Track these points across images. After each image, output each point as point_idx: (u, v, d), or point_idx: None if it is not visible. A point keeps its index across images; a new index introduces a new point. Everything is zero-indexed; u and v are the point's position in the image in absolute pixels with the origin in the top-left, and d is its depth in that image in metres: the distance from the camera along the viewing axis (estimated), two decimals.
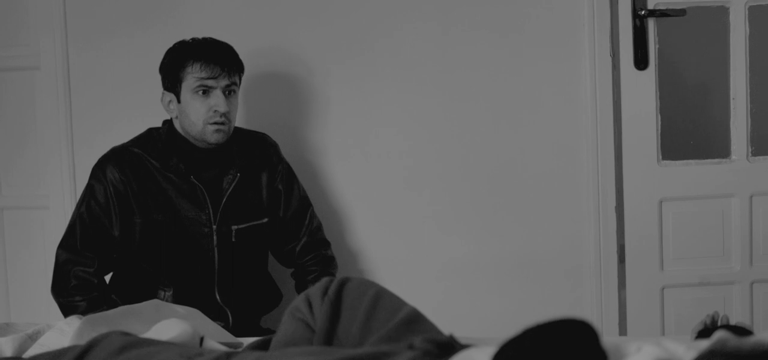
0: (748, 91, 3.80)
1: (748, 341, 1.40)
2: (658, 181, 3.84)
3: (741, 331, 2.24)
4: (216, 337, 2.23)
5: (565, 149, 3.83)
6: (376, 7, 3.82)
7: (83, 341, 2.00)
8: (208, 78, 3.17)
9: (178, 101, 3.22)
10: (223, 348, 1.94)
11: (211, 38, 3.29)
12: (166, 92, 3.28)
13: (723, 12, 3.78)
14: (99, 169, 3.23)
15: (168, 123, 3.31)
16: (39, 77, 3.92)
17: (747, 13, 3.75)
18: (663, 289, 3.86)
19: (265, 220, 3.38)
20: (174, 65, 3.23)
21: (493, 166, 3.86)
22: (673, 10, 3.74)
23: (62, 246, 3.24)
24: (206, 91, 3.18)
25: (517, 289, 3.87)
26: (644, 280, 3.85)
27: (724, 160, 3.87)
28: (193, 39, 3.28)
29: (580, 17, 3.78)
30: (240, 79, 3.32)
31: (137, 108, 3.75)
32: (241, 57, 3.32)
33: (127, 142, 3.30)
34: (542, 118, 3.83)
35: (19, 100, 3.97)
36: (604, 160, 3.82)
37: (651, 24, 3.75)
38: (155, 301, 2.51)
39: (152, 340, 1.86)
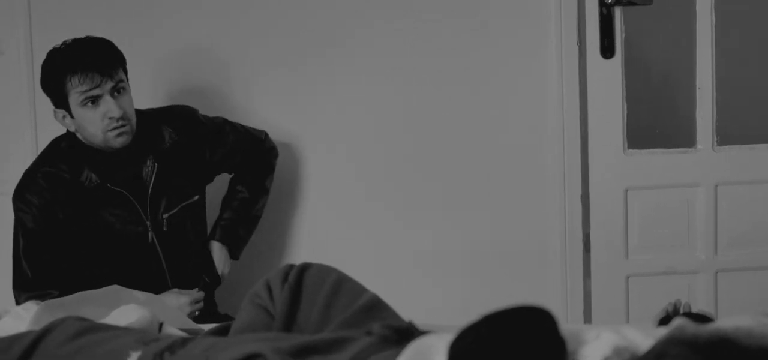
0: (714, 80, 3.80)
1: (706, 328, 1.39)
2: (623, 170, 3.84)
3: (702, 319, 2.24)
4: (176, 324, 2.20)
5: (531, 138, 3.83)
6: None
7: (40, 327, 1.97)
8: (92, 89, 3.04)
9: (71, 116, 3.11)
10: (182, 334, 1.92)
11: (84, 40, 3.11)
12: (57, 109, 3.15)
13: (689, 1, 3.78)
14: (19, 200, 3.15)
15: (70, 134, 3.20)
16: (2, 62, 3.86)
17: (713, 2, 3.75)
18: (628, 277, 3.87)
19: (196, 197, 3.33)
20: (54, 83, 3.09)
21: (459, 155, 3.85)
22: None
23: (17, 287, 3.17)
24: (95, 100, 3.06)
25: (482, 279, 3.86)
26: (609, 269, 3.85)
27: (689, 149, 3.87)
28: (65, 45, 3.10)
29: (547, 5, 3.78)
30: (126, 73, 3.18)
31: None
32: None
33: (37, 163, 3.22)
34: (508, 107, 3.83)
35: None
36: (570, 149, 3.82)
37: (618, 13, 3.74)
38: (115, 286, 2.48)
39: (109, 325, 1.84)
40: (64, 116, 3.13)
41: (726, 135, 3.87)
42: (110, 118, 3.05)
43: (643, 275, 3.87)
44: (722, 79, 3.83)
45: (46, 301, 2.22)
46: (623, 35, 3.77)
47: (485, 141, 3.84)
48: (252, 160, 3.49)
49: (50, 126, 3.71)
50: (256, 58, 3.80)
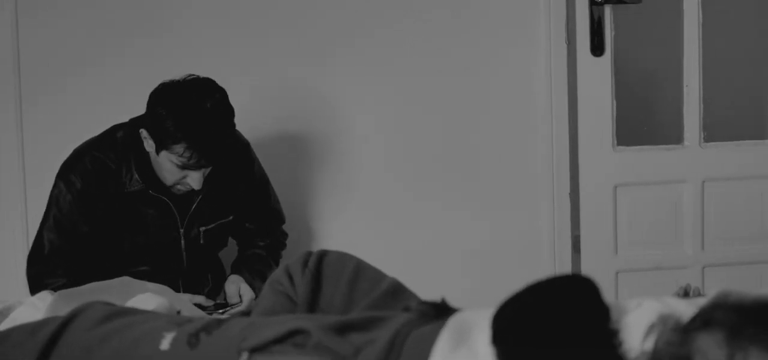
0: (701, 78, 3.84)
1: (749, 295, 1.41)
2: (612, 167, 3.87)
3: None
4: (190, 312, 2.19)
5: (521, 135, 3.86)
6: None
7: (55, 315, 1.96)
8: (193, 167, 2.94)
9: (156, 152, 2.97)
10: (215, 316, 1.92)
11: (210, 117, 2.90)
12: (147, 132, 2.99)
13: (677, 0, 3.82)
14: (63, 177, 3.09)
15: (130, 128, 3.10)
16: None
17: (700, 1, 3.79)
18: (617, 273, 3.89)
19: (231, 218, 3.31)
20: (163, 131, 2.91)
21: (448, 154, 3.86)
22: None
23: (30, 259, 3.14)
24: (186, 168, 2.96)
25: (471, 277, 3.87)
26: (599, 265, 3.86)
27: (677, 146, 3.91)
28: (191, 108, 2.88)
29: (536, 4, 3.81)
30: None
31: (91, 114, 3.64)
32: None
33: (88, 144, 3.13)
34: (498, 105, 3.84)
35: None
36: (560, 146, 3.85)
37: (607, 11, 3.77)
38: (126, 277, 2.47)
39: (136, 309, 1.83)
40: (147, 138, 2.98)
41: (713, 131, 3.92)
42: (188, 186, 3.01)
43: (632, 271, 3.90)
44: (709, 76, 3.87)
45: (61, 291, 2.20)
46: (613, 33, 3.80)
47: (475, 139, 3.85)
48: (265, 228, 3.46)
49: (37, 126, 3.70)
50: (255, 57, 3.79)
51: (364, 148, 3.86)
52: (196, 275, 3.23)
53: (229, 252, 3.44)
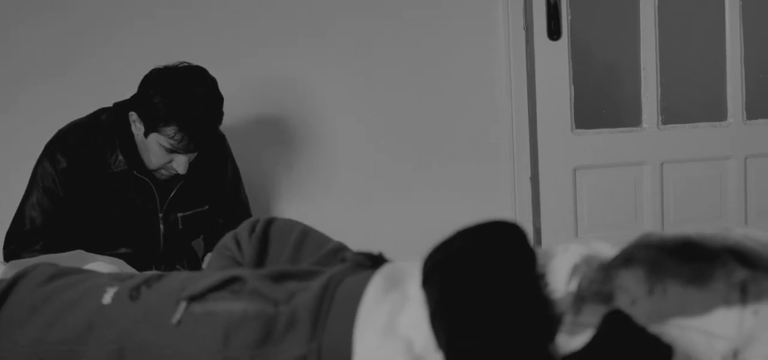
0: (658, 61, 3.90)
1: (671, 233, 1.45)
2: (572, 150, 3.92)
3: None
4: None
5: (481, 120, 3.89)
6: None
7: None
8: (181, 150, 3.00)
9: (145, 135, 3.03)
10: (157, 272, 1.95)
11: (202, 102, 2.97)
12: (137, 115, 3.05)
13: None
14: (48, 156, 3.14)
15: (116, 111, 3.16)
16: None
17: None
18: None
19: (207, 207, 3.35)
20: (155, 114, 2.96)
21: (410, 141, 3.90)
22: None
23: (8, 236, 3.15)
24: (173, 151, 3.02)
25: None
26: None
27: (635, 128, 3.96)
28: (184, 93, 2.95)
29: None
30: None
31: (74, 78, 3.69)
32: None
33: (73, 126, 3.18)
34: (458, 90, 3.88)
35: None
36: (520, 131, 3.88)
37: None
38: (79, 250, 2.49)
39: (82, 269, 1.86)
40: (135, 121, 3.05)
41: (670, 114, 3.96)
42: (173, 170, 3.07)
43: None
44: (666, 60, 3.92)
45: (12, 262, 2.22)
46: (569, 18, 3.85)
47: (437, 125, 3.89)
48: (234, 223, 3.48)
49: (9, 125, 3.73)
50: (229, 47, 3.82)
51: (330, 134, 3.89)
52: (172, 261, 3.27)
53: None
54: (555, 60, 3.86)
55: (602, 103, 4.06)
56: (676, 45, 3.98)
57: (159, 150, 3.01)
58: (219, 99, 3.03)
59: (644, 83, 3.92)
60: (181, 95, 2.93)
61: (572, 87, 3.89)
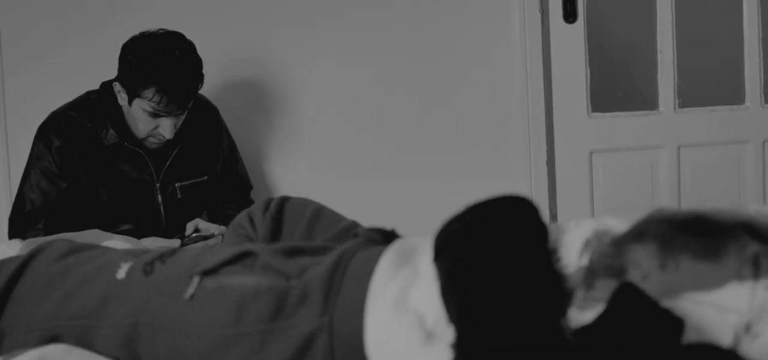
0: (675, 44, 3.88)
1: (683, 209, 1.45)
2: (588, 134, 3.91)
3: None
4: None
5: (496, 103, 3.88)
6: None
7: None
8: (163, 112, 3.03)
9: (129, 103, 3.08)
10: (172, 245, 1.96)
11: (179, 62, 3.02)
12: (120, 85, 3.11)
13: None
14: (41, 137, 3.19)
15: (104, 90, 3.22)
16: None
17: None
18: None
19: (205, 177, 3.39)
20: (134, 78, 3.02)
21: (426, 124, 3.89)
22: None
23: (12, 219, 3.21)
24: (157, 116, 3.07)
25: None
26: None
27: (652, 112, 3.95)
28: (159, 50, 3.01)
29: None
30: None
31: (71, 73, 3.70)
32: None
33: (65, 107, 3.24)
34: (473, 73, 3.87)
35: None
36: (536, 115, 3.87)
37: None
38: (95, 230, 2.51)
39: (96, 245, 1.87)
40: (120, 91, 3.11)
41: (687, 97, 3.95)
42: (160, 134, 3.10)
43: None
44: (683, 42, 3.90)
45: (30, 239, 2.24)
46: (585, 0, 3.83)
47: (451, 108, 3.88)
48: (234, 195, 3.53)
49: (19, 99, 3.75)
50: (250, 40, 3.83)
51: (342, 120, 3.89)
52: (175, 235, 3.29)
53: None
54: (571, 42, 3.85)
55: (618, 86, 4.05)
56: (693, 27, 3.96)
57: (143, 116, 3.06)
58: (196, 60, 3.08)
59: (661, 66, 3.91)
60: (157, 56, 2.99)
61: (588, 70, 3.88)
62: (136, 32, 3.06)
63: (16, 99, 3.79)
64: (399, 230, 3.45)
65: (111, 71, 3.17)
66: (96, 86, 3.27)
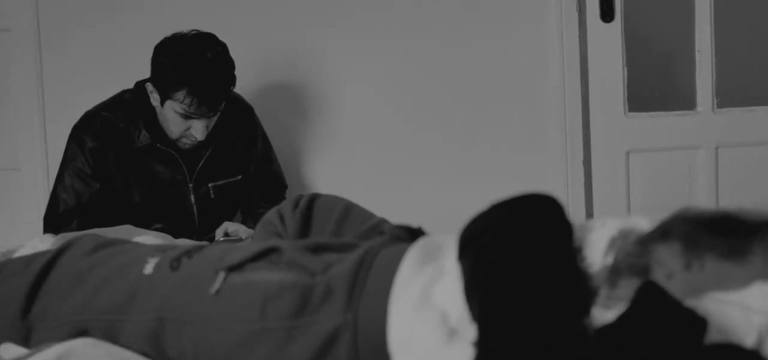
0: (713, 43, 3.84)
1: (709, 208, 1.44)
2: (625, 133, 3.87)
3: None
4: None
5: (532, 102, 3.86)
6: None
7: None
8: (195, 114, 3.04)
9: (161, 104, 3.10)
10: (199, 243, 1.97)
11: (210, 65, 3.01)
12: (152, 86, 3.12)
13: None
14: (75, 138, 3.21)
15: (139, 87, 3.22)
16: (9, 39, 3.90)
17: None
18: None
19: (239, 177, 3.39)
20: (166, 80, 3.03)
21: (461, 122, 3.88)
22: None
23: (47, 218, 3.24)
24: (189, 117, 3.07)
25: None
26: None
27: (690, 111, 3.91)
28: (191, 56, 3.00)
29: None
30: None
31: (109, 67, 3.75)
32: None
33: (98, 107, 3.27)
34: (509, 72, 3.85)
35: None
36: (572, 114, 3.85)
37: None
38: (127, 225, 2.53)
39: (126, 240, 1.89)
40: (153, 92, 3.10)
41: (726, 97, 3.91)
42: (193, 136, 3.11)
43: None
44: (721, 41, 3.87)
45: (62, 234, 2.26)
46: None
47: (488, 107, 3.87)
48: (268, 193, 3.54)
49: (59, 103, 3.79)
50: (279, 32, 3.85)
51: (378, 120, 3.89)
52: (206, 238, 3.30)
53: None
54: (608, 42, 3.82)
55: (656, 85, 4.02)
56: (731, 26, 3.91)
57: (175, 117, 3.07)
58: (228, 62, 3.08)
59: (699, 65, 3.87)
60: (189, 58, 2.99)
61: (625, 69, 3.85)
62: (170, 33, 3.08)
63: (55, 97, 3.84)
64: (433, 230, 3.47)
65: (145, 70, 3.20)
66: (132, 84, 3.28)
